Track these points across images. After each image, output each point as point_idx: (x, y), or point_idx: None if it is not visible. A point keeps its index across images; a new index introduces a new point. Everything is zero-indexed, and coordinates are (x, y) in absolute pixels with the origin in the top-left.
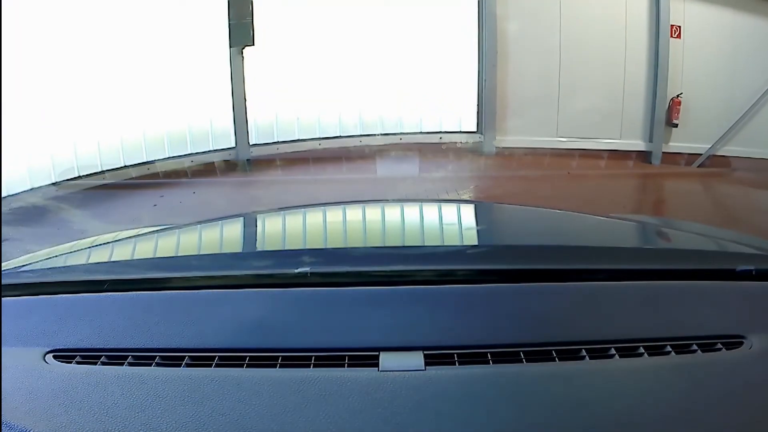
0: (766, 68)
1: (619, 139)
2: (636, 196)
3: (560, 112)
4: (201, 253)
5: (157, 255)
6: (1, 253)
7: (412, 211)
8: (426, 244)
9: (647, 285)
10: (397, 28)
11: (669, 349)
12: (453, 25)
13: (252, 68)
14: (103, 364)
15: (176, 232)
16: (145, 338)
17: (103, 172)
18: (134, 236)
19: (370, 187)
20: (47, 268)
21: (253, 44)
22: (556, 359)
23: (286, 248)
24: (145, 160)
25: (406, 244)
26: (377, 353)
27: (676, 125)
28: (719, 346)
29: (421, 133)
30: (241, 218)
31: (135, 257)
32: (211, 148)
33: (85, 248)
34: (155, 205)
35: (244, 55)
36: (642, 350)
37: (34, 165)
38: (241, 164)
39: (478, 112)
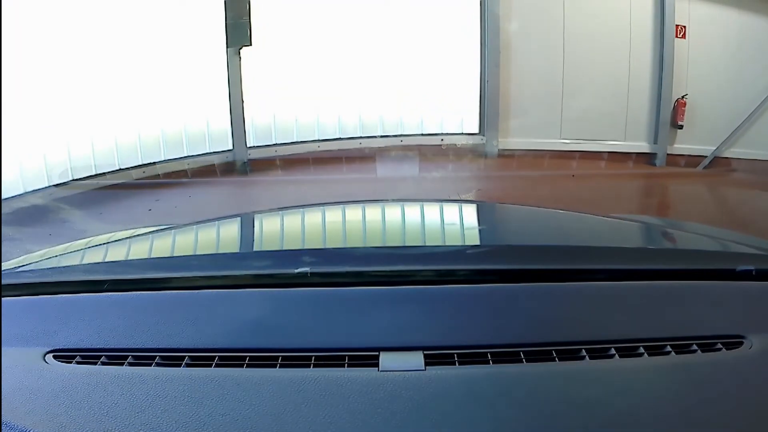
0: None
1: (623, 141)
2: (641, 199)
3: (564, 113)
4: (201, 253)
5: (157, 255)
6: (0, 253)
7: (412, 211)
8: (426, 244)
9: (647, 285)
10: (398, 26)
11: (669, 349)
12: (455, 25)
13: (249, 69)
14: (103, 364)
15: (176, 232)
16: (145, 338)
17: (96, 175)
18: (134, 236)
19: (370, 191)
20: (47, 268)
21: (251, 44)
22: (556, 359)
23: (286, 248)
24: (140, 163)
25: (406, 244)
26: (377, 353)
27: (681, 127)
28: (719, 346)
29: (422, 134)
30: (241, 218)
31: (135, 257)
32: (208, 151)
33: (86, 248)
34: (150, 210)
35: (241, 55)
36: (642, 350)
37: (26, 167)
38: (239, 167)
39: (480, 114)
